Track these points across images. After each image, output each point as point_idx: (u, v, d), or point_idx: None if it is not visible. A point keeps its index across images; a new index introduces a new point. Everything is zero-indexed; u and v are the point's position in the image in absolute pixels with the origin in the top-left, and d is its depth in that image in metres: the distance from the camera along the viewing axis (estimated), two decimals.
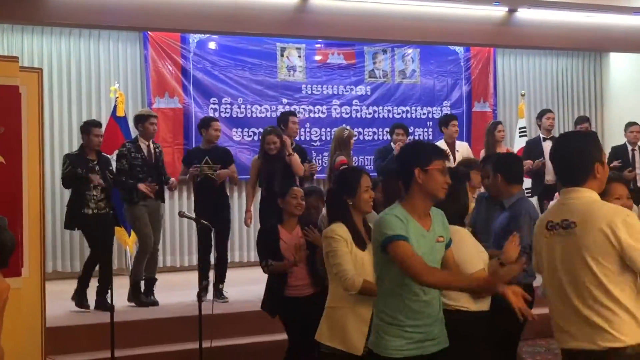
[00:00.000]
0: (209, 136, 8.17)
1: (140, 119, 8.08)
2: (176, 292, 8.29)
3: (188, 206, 9.93)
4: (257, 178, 7.96)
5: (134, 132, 9.15)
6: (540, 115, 9.62)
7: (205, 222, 6.08)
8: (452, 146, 8.95)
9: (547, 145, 9.24)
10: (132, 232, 8.25)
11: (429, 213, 3.63)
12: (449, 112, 11.20)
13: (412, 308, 3.52)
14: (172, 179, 8.21)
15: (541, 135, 9.48)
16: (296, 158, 7.87)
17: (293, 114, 8.62)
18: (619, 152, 9.61)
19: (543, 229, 3.34)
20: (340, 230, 4.37)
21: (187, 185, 9.39)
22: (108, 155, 8.09)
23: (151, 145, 8.03)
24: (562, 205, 3.31)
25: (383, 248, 3.47)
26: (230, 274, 8.21)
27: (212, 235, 7.50)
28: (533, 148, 9.33)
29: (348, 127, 8.97)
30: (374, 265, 3.72)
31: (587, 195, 3.25)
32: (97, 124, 8.03)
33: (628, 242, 3.05)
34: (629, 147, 9.69)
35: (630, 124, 9.92)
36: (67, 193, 9.39)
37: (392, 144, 8.99)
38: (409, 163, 3.58)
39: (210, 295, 7.66)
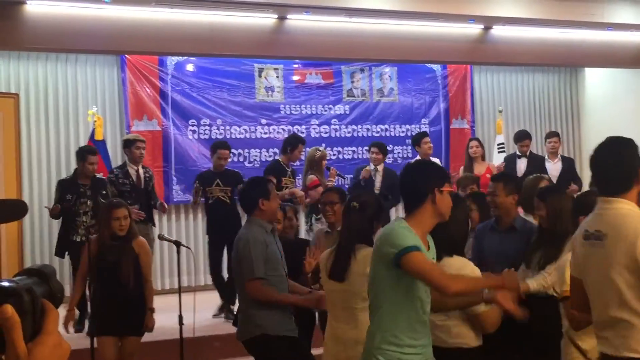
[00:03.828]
0: (214, 163, 8.39)
1: (126, 144, 8.17)
2: (157, 315, 8.20)
3: (169, 229, 9.92)
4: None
5: (112, 155, 9.15)
6: (515, 140, 9.71)
7: (186, 245, 6.06)
8: None
9: (521, 163, 9.39)
10: None
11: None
12: (426, 130, 11.26)
13: (414, 327, 3.43)
14: (162, 203, 8.37)
15: (517, 153, 9.54)
16: None
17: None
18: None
19: (580, 238, 3.33)
20: None
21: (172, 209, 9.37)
22: (104, 178, 8.05)
23: (140, 170, 8.06)
24: (598, 216, 3.29)
25: (397, 260, 3.33)
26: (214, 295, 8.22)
27: (192, 257, 7.53)
28: (508, 166, 9.38)
29: (321, 148, 9.01)
30: (371, 283, 3.55)
31: (621, 207, 3.21)
32: (93, 151, 8.00)
33: None
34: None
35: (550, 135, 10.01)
36: (47, 216, 9.37)
37: (371, 163, 9.10)
38: (425, 182, 3.49)
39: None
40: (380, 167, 9.07)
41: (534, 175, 6.35)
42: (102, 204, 6.17)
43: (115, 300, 5.65)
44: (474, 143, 9.49)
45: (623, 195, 3.21)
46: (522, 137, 9.72)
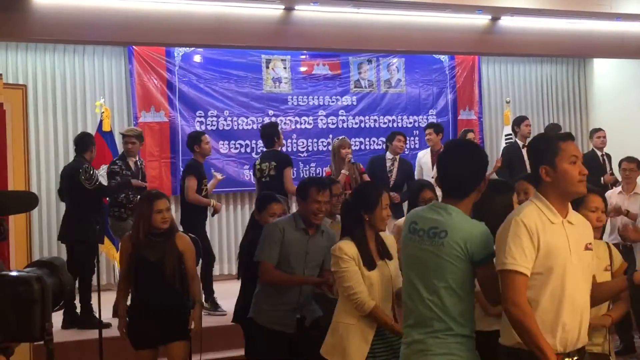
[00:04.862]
0: (204, 150, 8.21)
1: (122, 138, 8.28)
2: None
3: (175, 219, 9.92)
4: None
5: (120, 146, 9.16)
6: (518, 122, 9.69)
7: (192, 235, 6.06)
8: (435, 155, 9.04)
9: (525, 153, 9.35)
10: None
11: None
12: (434, 121, 11.23)
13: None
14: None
15: (519, 142, 9.53)
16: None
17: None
18: (588, 159, 9.51)
19: None
20: (348, 248, 4.27)
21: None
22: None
23: (138, 162, 8.16)
24: None
25: (484, 261, 3.26)
26: (217, 286, 8.24)
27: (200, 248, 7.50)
28: (512, 154, 9.37)
29: (342, 137, 8.98)
30: (442, 275, 3.30)
31: None
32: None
33: None
34: (599, 153, 9.67)
35: (595, 130, 9.96)
36: (55, 207, 9.39)
37: (387, 152, 9.08)
38: (482, 170, 3.47)
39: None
40: (397, 157, 9.07)
41: None
42: (141, 195, 5.63)
43: (156, 305, 5.11)
44: (471, 135, 9.51)
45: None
46: (523, 118, 9.83)
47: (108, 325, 6.91)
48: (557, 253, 3.16)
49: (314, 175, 10.57)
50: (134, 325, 5.21)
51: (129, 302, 5.34)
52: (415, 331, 3.35)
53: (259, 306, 5.06)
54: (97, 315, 7.40)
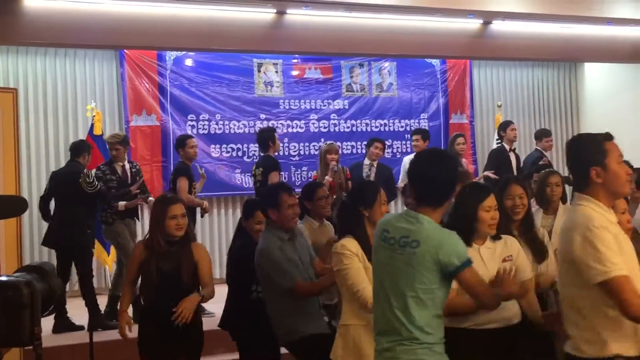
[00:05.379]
0: (188, 154, 8.24)
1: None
2: None
3: None
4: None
5: None
6: (504, 127, 9.67)
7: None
8: None
9: (512, 157, 9.40)
10: (112, 251, 8.30)
11: None
12: (426, 125, 11.26)
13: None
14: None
15: (506, 147, 9.54)
16: None
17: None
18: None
19: None
20: (350, 245, 4.25)
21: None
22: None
23: (127, 165, 8.10)
24: None
25: (458, 271, 3.22)
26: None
27: None
28: (500, 158, 9.38)
29: (330, 142, 8.98)
30: (413, 284, 3.25)
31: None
32: None
33: None
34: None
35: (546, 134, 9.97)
36: None
37: (365, 158, 9.12)
38: (455, 177, 3.45)
39: None
40: (375, 163, 9.10)
41: (547, 170, 6.33)
42: (156, 200, 5.27)
43: (169, 318, 4.72)
44: (461, 139, 9.49)
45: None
46: (509, 123, 9.78)
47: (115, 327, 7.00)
48: (625, 254, 3.10)
49: (306, 179, 10.56)
50: (145, 336, 4.90)
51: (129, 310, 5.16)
52: (384, 339, 3.33)
53: (303, 321, 4.82)
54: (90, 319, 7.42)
